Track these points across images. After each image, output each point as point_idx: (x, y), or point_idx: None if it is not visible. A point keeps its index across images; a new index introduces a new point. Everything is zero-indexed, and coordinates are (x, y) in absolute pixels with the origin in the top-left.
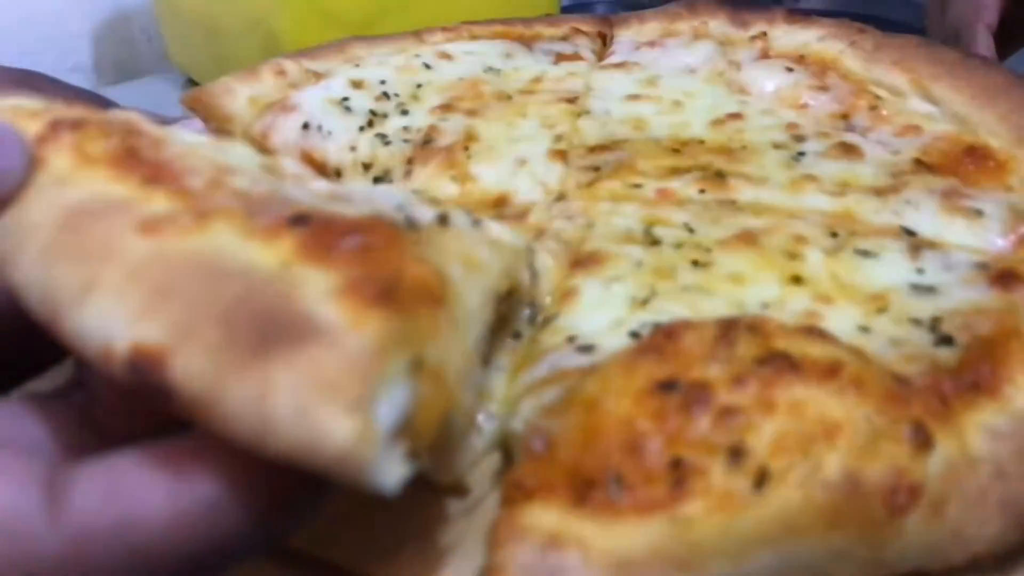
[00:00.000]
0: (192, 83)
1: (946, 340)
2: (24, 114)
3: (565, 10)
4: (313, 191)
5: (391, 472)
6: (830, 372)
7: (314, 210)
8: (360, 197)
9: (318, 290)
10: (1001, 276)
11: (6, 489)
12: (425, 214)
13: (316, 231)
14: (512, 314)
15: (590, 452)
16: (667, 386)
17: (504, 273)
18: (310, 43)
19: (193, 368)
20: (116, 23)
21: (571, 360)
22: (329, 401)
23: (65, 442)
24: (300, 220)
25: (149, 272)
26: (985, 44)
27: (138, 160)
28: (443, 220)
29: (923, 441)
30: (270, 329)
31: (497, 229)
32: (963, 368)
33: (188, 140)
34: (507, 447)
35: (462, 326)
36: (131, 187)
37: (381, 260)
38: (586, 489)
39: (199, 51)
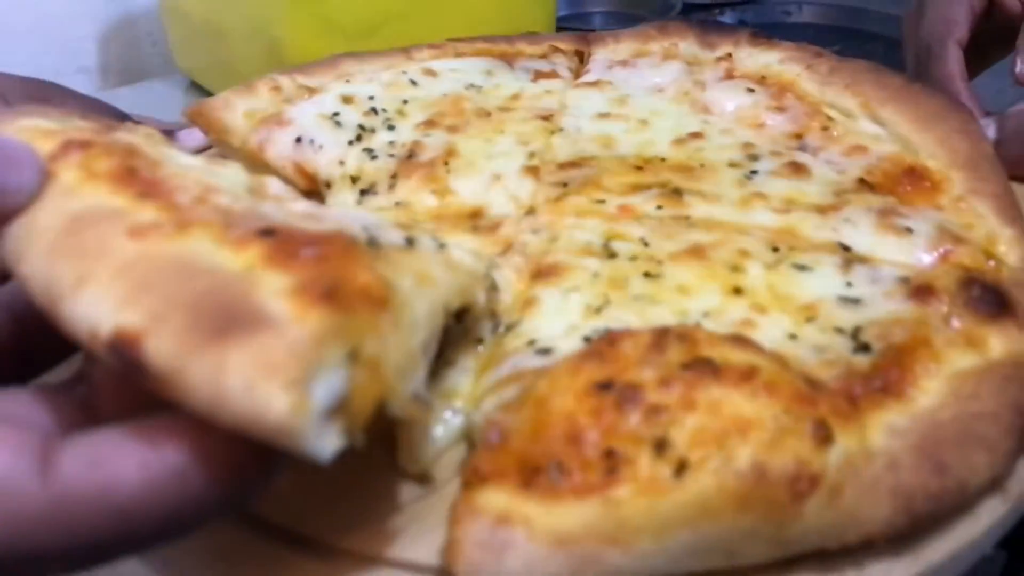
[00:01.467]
0: (195, 86)
1: (864, 347)
2: (40, 134)
3: (561, 20)
4: (289, 211)
5: (325, 443)
6: (746, 376)
7: (283, 225)
8: (331, 218)
9: (273, 289)
10: (919, 290)
11: (2, 454)
12: (393, 236)
13: (280, 241)
14: (474, 325)
15: (537, 443)
16: (604, 386)
17: (457, 292)
18: (312, 49)
19: (163, 348)
20: (121, 27)
21: (531, 361)
22: (271, 379)
23: (62, 423)
24: (268, 232)
25: (133, 269)
26: (955, 60)
27: (135, 178)
28: (410, 243)
29: (824, 437)
30: (229, 318)
31: (459, 254)
32: (875, 372)
33: (183, 162)
34: (471, 439)
35: (406, 329)
36: (126, 200)
37: (332, 267)
38: (532, 475)
39: (203, 55)
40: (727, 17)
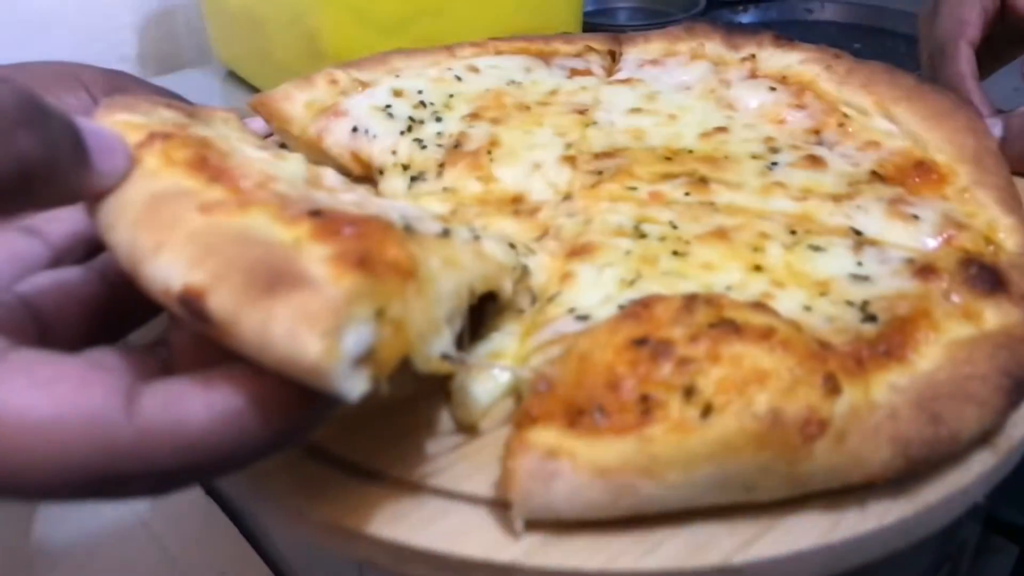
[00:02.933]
0: (232, 76)
1: (871, 318)
2: (130, 127)
3: (588, 15)
4: (339, 199)
5: (353, 386)
6: (765, 335)
7: (330, 208)
8: (375, 205)
9: (315, 256)
10: (923, 269)
11: (97, 393)
12: (430, 226)
13: (326, 220)
14: (512, 300)
15: (581, 389)
16: (640, 342)
17: (483, 278)
18: (348, 40)
19: (222, 302)
20: (160, 17)
21: (571, 326)
22: (309, 328)
23: (144, 375)
24: (316, 213)
25: (201, 237)
26: (966, 60)
27: (206, 164)
28: (446, 233)
29: (832, 388)
30: (277, 278)
31: (491, 245)
32: (880, 339)
33: (250, 154)
34: (519, 394)
35: (430, 300)
36: (198, 182)
37: (368, 241)
38: (577, 416)
39: (241, 45)
40: (750, 14)
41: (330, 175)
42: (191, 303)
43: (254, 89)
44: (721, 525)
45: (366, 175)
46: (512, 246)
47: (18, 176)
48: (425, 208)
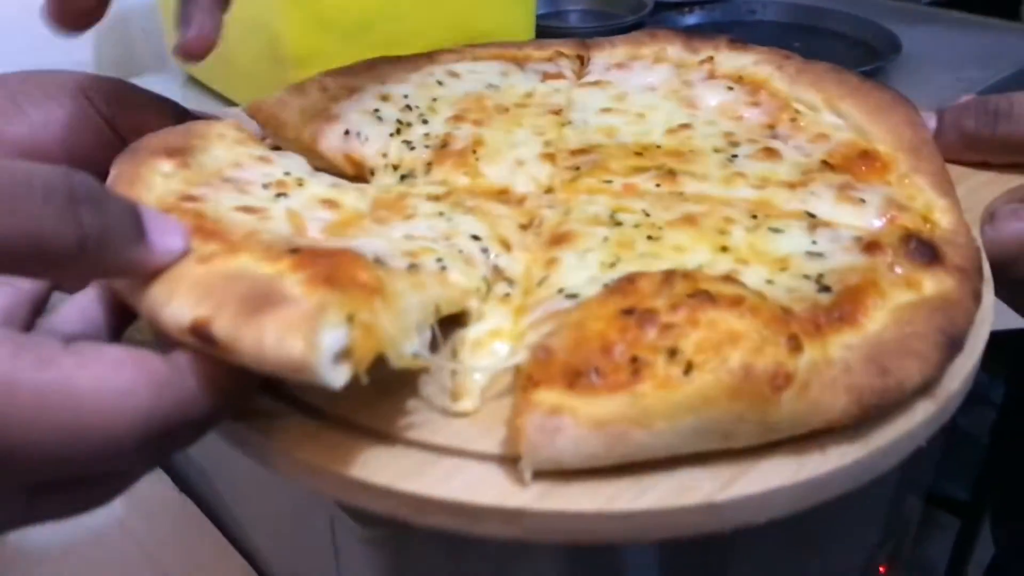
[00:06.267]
0: (192, 81)
1: (826, 288)
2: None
3: (540, 18)
4: (314, 242)
5: (336, 377)
6: (735, 303)
7: (307, 246)
8: (349, 244)
9: (294, 281)
10: (869, 245)
11: (155, 361)
12: (399, 262)
13: (303, 255)
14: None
15: (577, 355)
16: (628, 312)
17: (448, 301)
18: (309, 44)
19: (224, 326)
20: (115, 21)
21: (561, 304)
22: (292, 333)
23: None
24: (295, 250)
25: (201, 282)
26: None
27: (202, 229)
28: (413, 267)
29: (795, 346)
30: (263, 301)
31: (455, 276)
32: (834, 307)
33: (238, 220)
34: (517, 368)
35: (398, 311)
36: (196, 241)
37: (336, 267)
38: (575, 378)
39: None
40: (696, 15)
41: (313, 229)
42: (200, 332)
43: (213, 93)
44: (703, 470)
45: (358, 175)
46: (484, 250)
47: (77, 245)
48: (394, 245)
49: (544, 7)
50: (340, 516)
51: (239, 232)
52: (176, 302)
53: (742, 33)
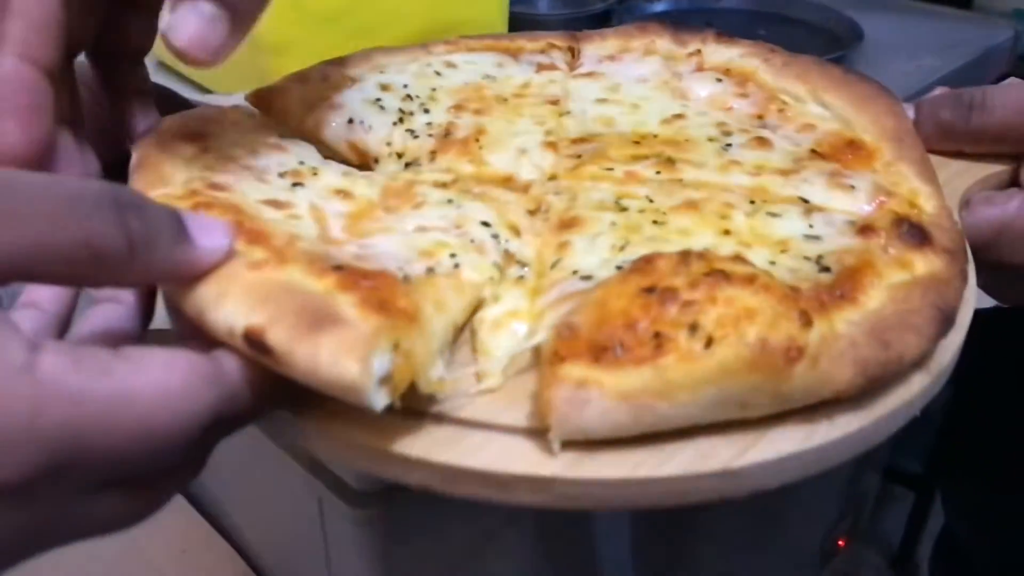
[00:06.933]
0: (163, 67)
1: (826, 269)
2: (171, 199)
3: (511, 4)
4: (345, 251)
5: (378, 400)
6: (749, 281)
7: (347, 264)
8: (376, 257)
9: (347, 302)
10: (863, 229)
11: (204, 360)
12: (418, 268)
13: (347, 274)
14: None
15: (601, 331)
16: (649, 290)
17: (463, 310)
18: (284, 31)
19: (280, 338)
20: None
21: (576, 286)
22: (348, 356)
23: None
24: (338, 268)
25: (255, 288)
26: None
27: (243, 229)
28: (430, 271)
29: (806, 322)
30: (321, 318)
31: (468, 272)
32: (835, 286)
33: (270, 216)
34: (537, 347)
35: (428, 337)
36: (241, 244)
37: (383, 293)
38: (600, 353)
39: None
40: (664, 3)
41: (335, 227)
42: (253, 339)
43: (187, 81)
44: (720, 438)
45: (362, 163)
46: (495, 236)
47: (128, 248)
48: (410, 243)
49: None
50: (329, 497)
51: (279, 236)
52: (228, 306)
53: (708, 20)
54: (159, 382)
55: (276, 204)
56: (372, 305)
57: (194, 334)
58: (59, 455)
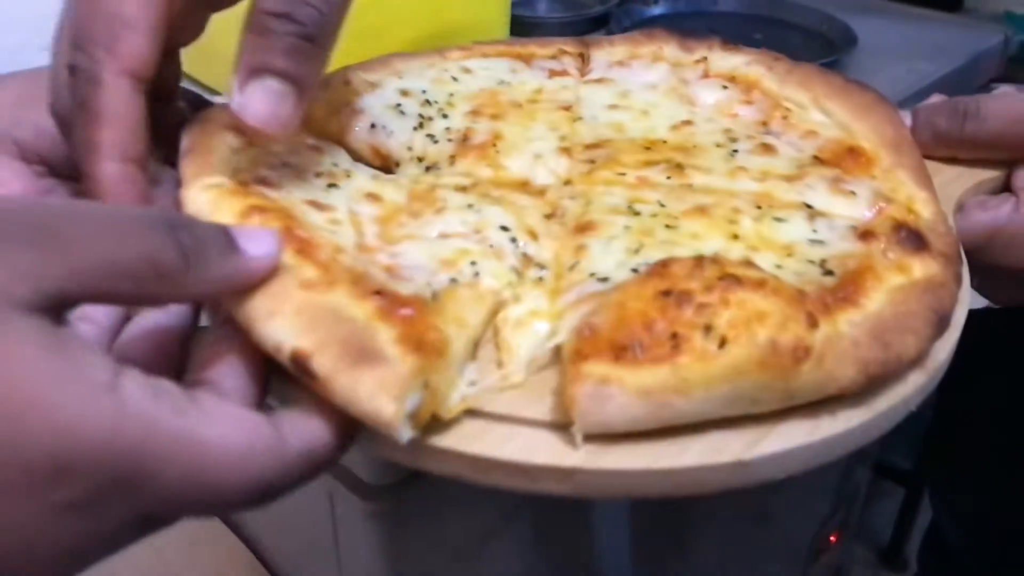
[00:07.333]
0: None
1: (829, 272)
2: (225, 193)
3: (518, 4)
4: (378, 260)
5: (405, 434)
6: (759, 285)
7: (385, 287)
8: (408, 276)
9: (386, 338)
10: (864, 234)
11: (266, 425)
12: (442, 280)
13: (386, 301)
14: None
15: (621, 331)
16: (666, 293)
17: (482, 324)
18: None
19: (323, 364)
20: None
21: (594, 287)
22: (385, 395)
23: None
24: (378, 292)
25: (304, 311)
26: None
27: (293, 236)
28: (453, 281)
29: (812, 323)
30: (363, 353)
31: (488, 280)
32: (838, 288)
33: (314, 221)
34: (558, 348)
35: (450, 364)
36: (290, 255)
37: (419, 327)
38: (621, 352)
39: None
40: (661, 6)
41: (369, 233)
42: (299, 362)
43: (194, 81)
44: (731, 432)
45: (383, 166)
46: (513, 239)
47: (183, 261)
48: (433, 252)
49: None
50: (340, 490)
51: (324, 247)
52: (278, 323)
53: (704, 24)
54: (224, 437)
55: (318, 206)
56: (410, 344)
57: (229, 334)
58: (124, 477)
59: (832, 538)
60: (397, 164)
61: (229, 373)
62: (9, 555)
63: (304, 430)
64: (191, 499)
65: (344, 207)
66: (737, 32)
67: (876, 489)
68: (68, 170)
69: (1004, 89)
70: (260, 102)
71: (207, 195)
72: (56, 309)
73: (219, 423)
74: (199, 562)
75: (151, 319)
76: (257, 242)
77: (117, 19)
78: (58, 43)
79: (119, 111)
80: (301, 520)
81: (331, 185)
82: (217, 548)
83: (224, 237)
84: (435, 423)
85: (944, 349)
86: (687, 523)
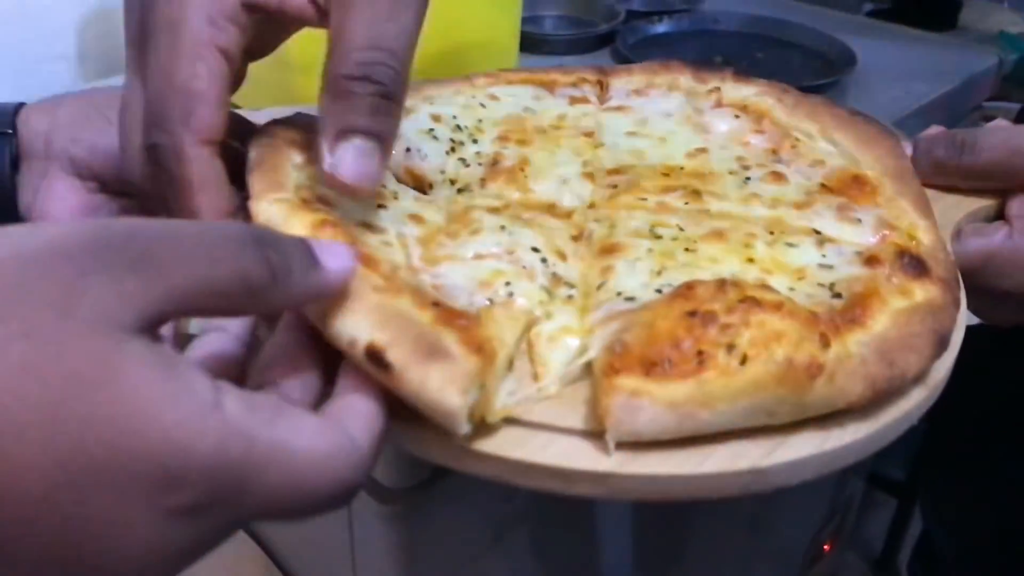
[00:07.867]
0: None
1: (838, 295)
2: (293, 208)
3: (526, 21)
4: (423, 281)
5: (464, 428)
6: (777, 307)
7: (440, 301)
8: (451, 295)
9: (451, 339)
10: (869, 259)
11: (342, 432)
12: (481, 299)
13: (443, 311)
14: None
15: (651, 348)
16: (692, 314)
17: (515, 343)
18: (311, 52)
19: (398, 358)
20: (99, 18)
21: (621, 306)
22: (453, 387)
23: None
24: (435, 304)
25: (378, 310)
26: None
27: (358, 252)
28: (491, 301)
29: (825, 342)
30: (433, 349)
31: (521, 301)
32: (846, 311)
33: (372, 244)
34: (588, 362)
35: (495, 373)
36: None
37: (477, 333)
38: (650, 367)
39: None
40: (665, 24)
41: (414, 255)
42: (374, 354)
43: None
44: (749, 441)
45: (417, 188)
46: (544, 260)
47: (271, 277)
48: (471, 273)
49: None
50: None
51: (384, 263)
52: (354, 319)
53: (706, 42)
54: (311, 445)
55: (371, 228)
56: (472, 346)
57: (290, 343)
58: (228, 487)
59: (826, 547)
60: (430, 186)
61: (297, 382)
62: (128, 558)
63: (364, 427)
64: (285, 506)
65: (393, 229)
66: (738, 51)
67: (869, 499)
68: (118, 187)
69: (999, 123)
70: (351, 161)
71: (277, 207)
72: (154, 328)
73: (304, 434)
74: (213, 565)
75: (210, 343)
76: (336, 256)
77: (190, 95)
78: (125, 118)
79: (207, 177)
80: (316, 523)
81: (380, 206)
82: (232, 552)
83: (307, 252)
84: (479, 429)
85: (943, 367)
86: (686, 531)
